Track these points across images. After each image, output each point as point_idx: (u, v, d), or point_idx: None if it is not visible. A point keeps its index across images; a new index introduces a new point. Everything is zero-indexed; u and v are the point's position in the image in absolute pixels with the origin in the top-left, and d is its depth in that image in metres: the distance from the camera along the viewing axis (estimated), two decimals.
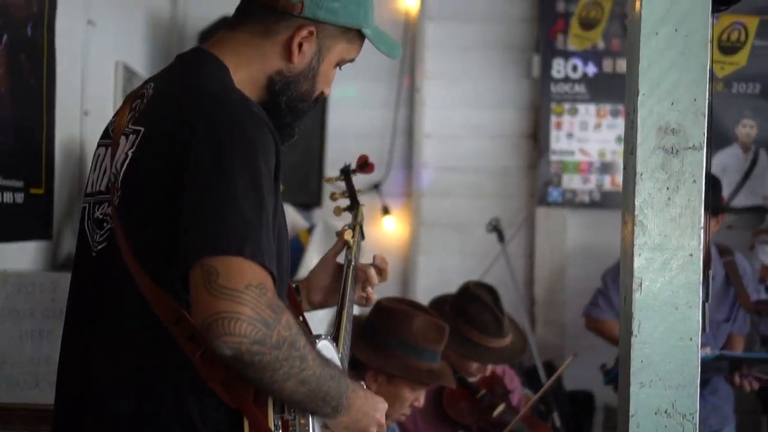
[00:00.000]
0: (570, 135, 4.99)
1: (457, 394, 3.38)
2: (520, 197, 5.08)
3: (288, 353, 1.60)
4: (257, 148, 1.67)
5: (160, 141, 1.72)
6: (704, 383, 4.22)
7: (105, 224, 1.77)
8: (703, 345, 3.98)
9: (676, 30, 2.06)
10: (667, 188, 2.04)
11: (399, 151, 5.06)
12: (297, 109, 1.92)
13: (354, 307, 2.26)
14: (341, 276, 2.22)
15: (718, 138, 4.91)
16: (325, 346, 1.86)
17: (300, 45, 1.86)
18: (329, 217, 4.34)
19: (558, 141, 4.99)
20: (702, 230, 2.06)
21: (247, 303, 1.54)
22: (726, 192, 4.82)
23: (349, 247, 2.24)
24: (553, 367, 4.66)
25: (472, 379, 3.43)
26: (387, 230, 5.01)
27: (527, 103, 5.08)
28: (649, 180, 2.04)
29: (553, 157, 4.99)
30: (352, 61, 1.98)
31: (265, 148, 1.69)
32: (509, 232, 4.87)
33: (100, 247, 1.78)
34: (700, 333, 2.08)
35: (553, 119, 4.99)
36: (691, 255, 2.06)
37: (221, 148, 1.65)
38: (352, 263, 2.22)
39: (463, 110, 5.08)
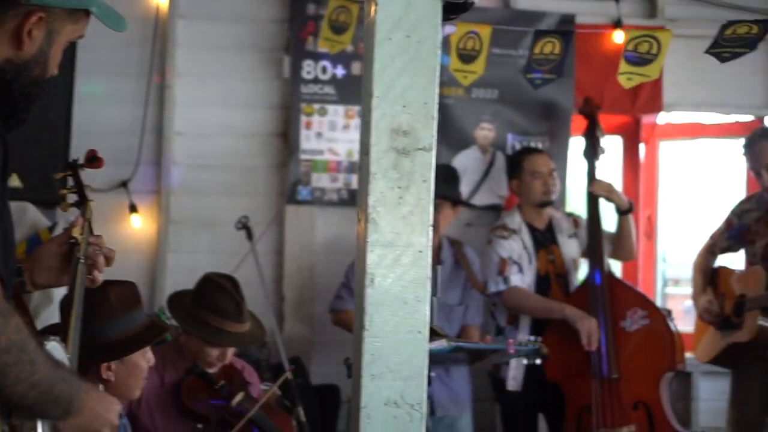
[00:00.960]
0: (319, 135, 5.07)
1: (196, 386, 3.42)
2: (270, 195, 5.12)
3: (18, 357, 1.57)
4: None
5: None
6: (444, 372, 4.42)
7: None
8: (441, 336, 4.19)
9: (408, 36, 2.14)
10: (399, 187, 2.12)
11: (148, 148, 4.98)
12: (31, 95, 1.90)
13: None
14: (68, 256, 2.19)
15: (458, 140, 5.14)
16: (55, 347, 1.83)
17: (29, 32, 1.82)
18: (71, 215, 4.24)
19: (308, 140, 5.05)
20: (431, 228, 2.15)
21: None
22: (465, 191, 5.06)
23: (77, 244, 2.19)
24: (301, 362, 4.74)
25: (211, 371, 3.46)
26: (134, 228, 4.93)
27: (278, 103, 5.13)
28: (382, 179, 2.11)
29: (303, 157, 5.05)
30: (80, 38, 1.96)
31: None
32: (259, 230, 4.89)
33: None
34: (428, 326, 2.18)
35: (303, 119, 5.05)
36: (421, 251, 2.15)
37: None
38: (81, 260, 2.18)
39: (214, 109, 5.07)
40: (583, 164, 4.90)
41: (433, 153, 2.14)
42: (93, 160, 2.37)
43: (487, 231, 4.89)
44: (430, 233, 2.15)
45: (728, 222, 4.80)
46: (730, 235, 4.79)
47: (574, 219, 4.92)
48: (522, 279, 4.70)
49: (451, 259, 4.66)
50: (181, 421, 3.38)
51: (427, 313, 2.17)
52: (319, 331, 5.05)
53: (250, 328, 3.51)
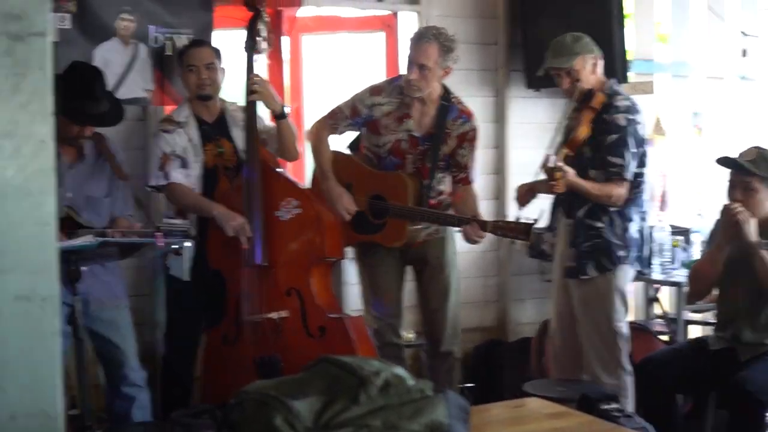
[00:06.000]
0: None
1: None
2: None
3: None
4: None
5: None
6: (99, 267, 4.38)
7: None
8: (88, 229, 4.15)
9: None
10: (14, 75, 2.04)
11: None
12: None
13: None
14: None
15: (98, 32, 4.98)
16: None
17: None
18: None
19: None
20: (52, 116, 2.09)
21: None
22: (110, 84, 4.94)
23: None
24: None
25: None
26: None
27: None
28: None
29: None
30: None
31: None
32: None
33: None
34: (55, 217, 2.14)
35: None
36: (43, 141, 2.09)
37: None
38: None
39: None
40: (244, 58, 4.85)
41: (49, 39, 2.07)
42: None
43: (130, 124, 4.85)
44: (52, 122, 2.10)
45: (354, 109, 4.92)
46: (354, 122, 4.96)
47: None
48: (186, 174, 4.74)
49: (93, 152, 4.57)
50: None
51: (54, 204, 2.13)
52: None
53: None
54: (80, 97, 4.27)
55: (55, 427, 2.05)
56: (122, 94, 5.03)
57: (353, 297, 5.65)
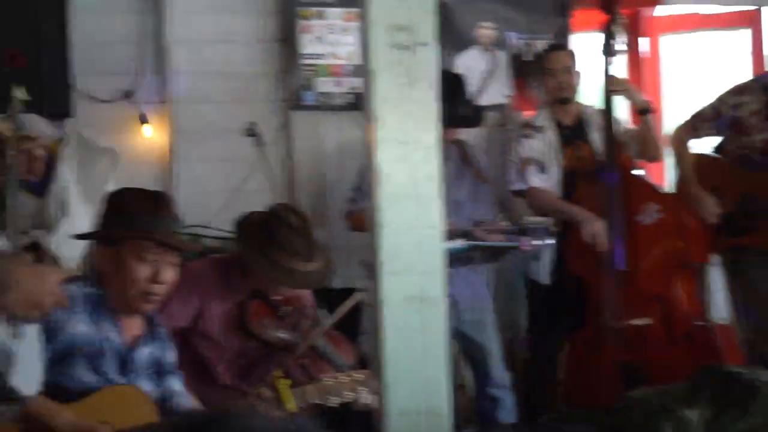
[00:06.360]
0: (319, 39, 5.03)
1: (261, 311, 3.42)
2: (275, 102, 5.08)
3: None
4: None
5: None
6: (466, 269, 4.47)
7: None
8: (456, 234, 4.24)
9: None
10: (402, 84, 2.11)
11: (149, 57, 4.94)
12: None
13: None
14: None
15: (459, 41, 5.11)
16: None
17: None
18: (83, 128, 4.26)
19: (308, 45, 5.01)
20: (438, 123, 2.15)
21: None
22: (472, 91, 5.04)
23: None
24: None
25: (275, 297, 3.48)
26: (145, 138, 4.91)
27: (275, 8, 5.06)
28: (386, 76, 2.10)
29: (305, 62, 5.02)
30: None
31: None
32: (266, 137, 4.86)
33: None
34: (441, 222, 2.19)
35: (302, 23, 5.00)
36: (430, 148, 2.15)
37: None
38: None
39: (212, 15, 5.00)
40: (601, 61, 4.79)
41: (435, 48, 2.12)
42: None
43: (491, 130, 4.92)
44: (438, 129, 2.15)
45: (717, 111, 4.67)
46: (717, 125, 4.71)
47: None
48: (545, 178, 4.74)
49: (456, 156, 4.68)
50: (243, 340, 3.40)
51: (440, 209, 2.18)
52: (335, 237, 5.04)
53: (319, 266, 3.49)
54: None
55: (443, 425, 2.10)
56: (484, 100, 5.14)
57: (719, 305, 5.40)
